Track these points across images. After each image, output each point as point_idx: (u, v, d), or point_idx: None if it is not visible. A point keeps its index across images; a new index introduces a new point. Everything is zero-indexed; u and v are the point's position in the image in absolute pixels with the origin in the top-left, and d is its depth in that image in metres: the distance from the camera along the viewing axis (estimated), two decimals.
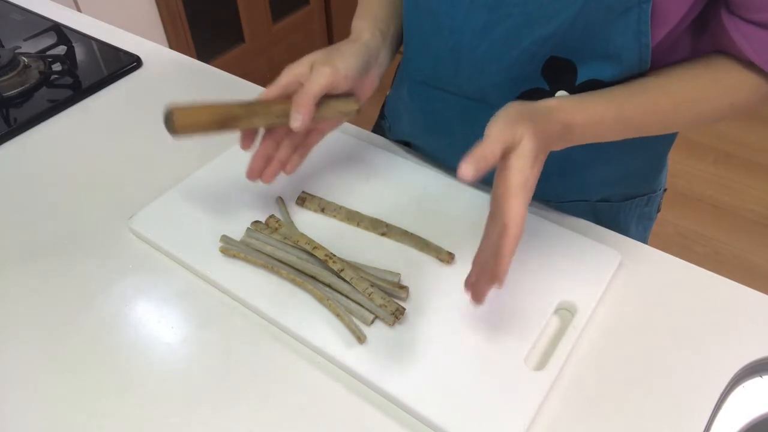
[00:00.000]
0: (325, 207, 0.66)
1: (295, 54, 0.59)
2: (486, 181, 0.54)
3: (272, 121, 0.57)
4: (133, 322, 0.58)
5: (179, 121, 0.53)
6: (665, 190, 0.77)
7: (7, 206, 0.71)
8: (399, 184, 0.70)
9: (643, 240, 0.78)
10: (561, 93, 0.57)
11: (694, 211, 1.92)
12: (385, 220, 0.65)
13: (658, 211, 0.79)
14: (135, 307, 0.59)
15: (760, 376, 0.54)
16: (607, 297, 0.58)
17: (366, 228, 0.64)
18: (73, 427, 0.51)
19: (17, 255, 0.65)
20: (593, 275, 0.59)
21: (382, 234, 0.64)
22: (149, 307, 0.60)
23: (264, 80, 0.62)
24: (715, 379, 0.52)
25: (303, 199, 0.67)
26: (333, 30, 2.61)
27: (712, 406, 0.50)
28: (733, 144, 2.14)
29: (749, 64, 0.52)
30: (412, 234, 0.63)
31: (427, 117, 0.71)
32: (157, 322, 0.58)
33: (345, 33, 0.63)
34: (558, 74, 0.56)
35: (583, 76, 0.56)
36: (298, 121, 0.55)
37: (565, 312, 0.57)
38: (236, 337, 0.56)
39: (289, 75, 0.57)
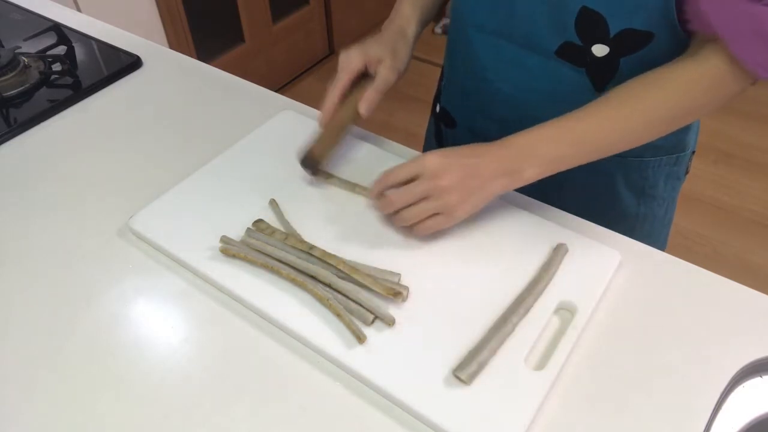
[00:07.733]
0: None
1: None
2: None
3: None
4: (133, 323, 0.58)
5: (319, 155, 0.67)
6: (694, 152, 0.79)
7: (7, 206, 0.71)
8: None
9: (672, 199, 0.81)
10: (598, 47, 0.62)
11: (694, 211, 1.92)
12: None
13: (687, 172, 0.80)
14: (135, 307, 0.60)
15: (760, 376, 0.54)
16: (607, 297, 0.58)
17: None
18: (73, 427, 0.51)
19: (17, 255, 0.65)
20: (593, 275, 0.59)
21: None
22: (149, 308, 0.60)
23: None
24: (715, 379, 0.52)
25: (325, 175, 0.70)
26: (333, 30, 2.61)
27: (712, 406, 0.50)
28: (733, 144, 2.14)
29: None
30: None
31: (475, 63, 0.74)
32: (157, 322, 0.58)
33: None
34: (589, 28, 0.61)
35: (615, 27, 0.60)
36: (366, 112, 0.69)
37: (565, 312, 0.57)
38: (236, 337, 0.56)
39: (359, 62, 0.68)
